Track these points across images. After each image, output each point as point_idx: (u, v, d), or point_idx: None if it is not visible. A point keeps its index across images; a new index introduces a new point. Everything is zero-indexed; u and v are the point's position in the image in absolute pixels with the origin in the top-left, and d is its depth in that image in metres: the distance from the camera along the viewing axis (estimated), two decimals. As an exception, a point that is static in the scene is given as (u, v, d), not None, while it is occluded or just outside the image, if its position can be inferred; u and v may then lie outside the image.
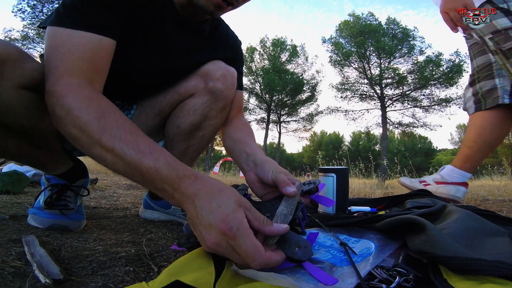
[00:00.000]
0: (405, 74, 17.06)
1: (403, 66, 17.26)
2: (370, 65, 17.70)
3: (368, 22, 17.35)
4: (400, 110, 18.09)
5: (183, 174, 0.48)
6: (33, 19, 12.47)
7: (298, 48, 20.72)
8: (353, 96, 18.41)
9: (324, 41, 18.33)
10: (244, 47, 20.06)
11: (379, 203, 1.05)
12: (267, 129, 20.89)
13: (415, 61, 16.98)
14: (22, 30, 13.41)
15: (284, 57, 20.63)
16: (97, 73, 0.61)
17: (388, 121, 17.83)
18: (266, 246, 0.45)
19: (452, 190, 1.45)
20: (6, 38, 13.46)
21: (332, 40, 18.14)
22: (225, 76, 0.86)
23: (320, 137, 36.64)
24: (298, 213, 0.54)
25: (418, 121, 17.89)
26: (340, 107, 19.19)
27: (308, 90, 20.48)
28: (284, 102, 20.45)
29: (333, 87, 18.78)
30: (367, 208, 0.92)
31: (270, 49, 20.71)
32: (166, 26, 0.75)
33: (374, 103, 18.07)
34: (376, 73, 17.55)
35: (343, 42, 17.86)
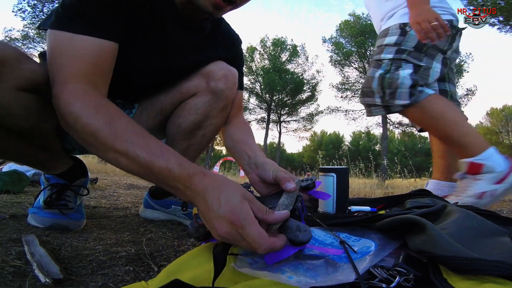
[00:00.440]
0: (406, 74, 17.02)
1: (403, 66, 17.22)
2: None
3: (369, 22, 17.31)
4: (400, 110, 18.05)
5: (193, 172, 0.51)
6: (34, 19, 12.48)
7: (298, 48, 20.72)
8: (354, 96, 18.40)
9: (324, 41, 18.34)
10: (244, 47, 20.04)
11: (379, 203, 1.05)
12: (267, 128, 20.90)
13: (416, 61, 16.94)
14: (22, 30, 13.42)
15: (284, 56, 20.64)
16: (101, 77, 0.62)
17: (388, 121, 17.82)
18: (270, 233, 0.49)
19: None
20: (7, 38, 13.47)
21: (332, 40, 18.14)
22: (226, 77, 0.87)
23: (320, 137, 36.64)
24: (298, 204, 0.58)
25: (419, 121, 17.86)
26: (340, 107, 19.22)
27: (309, 90, 20.48)
28: (284, 102, 20.45)
29: (333, 87, 18.78)
30: (367, 208, 0.92)
31: (270, 48, 20.70)
32: (166, 25, 0.75)
33: (374, 103, 18.03)
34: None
35: (343, 42, 17.87)
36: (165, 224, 1.02)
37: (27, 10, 12.26)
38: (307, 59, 20.71)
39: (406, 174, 4.93)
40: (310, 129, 22.34)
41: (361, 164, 5.38)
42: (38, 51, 13.66)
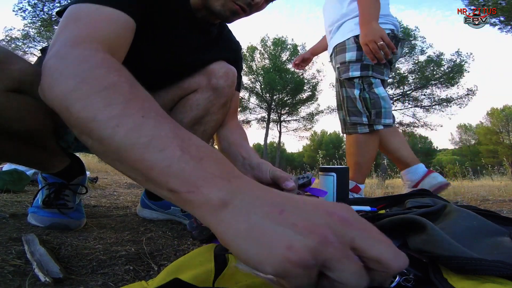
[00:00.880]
0: (406, 74, 17.06)
1: (404, 65, 17.25)
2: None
3: (369, 21, 17.30)
4: (400, 109, 18.08)
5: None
6: (34, 18, 12.48)
7: (299, 48, 20.70)
8: (354, 96, 18.37)
9: (324, 41, 18.29)
10: (245, 46, 20.03)
11: (379, 203, 1.05)
12: (267, 128, 20.89)
13: (416, 61, 16.97)
14: (22, 29, 13.43)
15: (284, 56, 20.62)
16: (121, 52, 0.56)
17: (389, 120, 17.79)
18: None
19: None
20: (7, 37, 13.47)
21: (332, 39, 18.10)
22: (227, 74, 0.90)
23: (321, 137, 36.61)
24: None
25: (419, 121, 17.90)
26: (340, 107, 19.19)
27: (309, 90, 20.48)
28: (285, 101, 20.44)
29: (333, 86, 18.76)
30: (367, 208, 0.92)
31: (270, 48, 20.69)
32: (178, 26, 0.78)
33: (375, 103, 18.03)
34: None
35: (343, 41, 17.82)
36: (165, 223, 1.02)
37: (27, 9, 12.27)
38: (307, 59, 20.69)
39: (406, 174, 4.93)
40: (310, 128, 22.34)
41: (361, 164, 5.37)
42: (38, 50, 13.67)
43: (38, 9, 12.26)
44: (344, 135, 1.70)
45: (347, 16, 1.52)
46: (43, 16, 12.32)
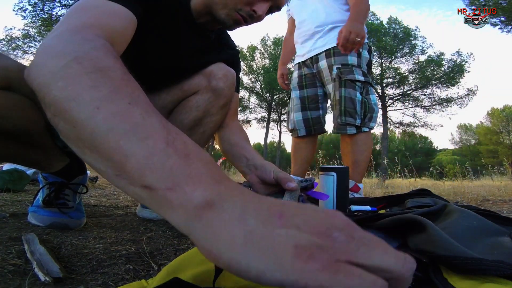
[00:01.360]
0: (406, 74, 17.06)
1: (404, 65, 17.26)
2: (371, 64, 17.71)
3: (370, 21, 17.31)
4: (401, 109, 18.08)
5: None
6: (34, 18, 12.48)
7: (298, 47, 20.67)
8: (354, 96, 18.36)
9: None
10: (245, 46, 20.02)
11: (379, 202, 1.05)
12: (267, 128, 20.90)
13: (416, 61, 16.97)
14: (23, 29, 13.43)
15: (285, 56, 20.57)
16: (121, 47, 0.55)
17: (389, 120, 17.82)
18: None
19: None
20: (7, 37, 13.47)
21: (333, 39, 18.08)
22: (226, 76, 0.92)
23: (321, 136, 36.53)
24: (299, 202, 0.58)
25: (419, 120, 17.90)
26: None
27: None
28: (285, 101, 20.43)
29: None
30: (367, 207, 0.92)
31: (271, 48, 20.68)
32: (179, 29, 0.79)
33: (375, 103, 18.03)
34: (377, 73, 17.53)
35: (344, 41, 17.81)
36: (165, 223, 1.02)
37: (28, 9, 12.27)
38: (307, 59, 20.70)
39: (406, 173, 4.92)
40: (310, 128, 22.30)
41: (361, 164, 5.37)
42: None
43: (38, 8, 12.26)
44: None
45: (338, 22, 1.63)
46: (43, 16, 12.32)
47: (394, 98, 17.65)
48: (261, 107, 21.12)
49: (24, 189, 1.53)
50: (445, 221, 0.62)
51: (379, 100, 17.59)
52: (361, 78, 1.59)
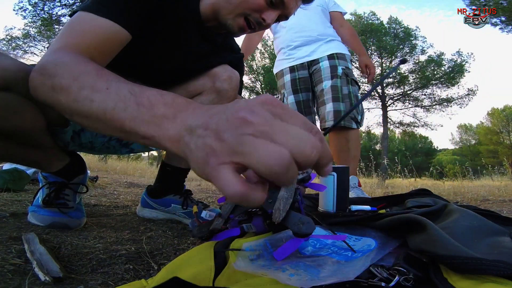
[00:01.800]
0: (407, 74, 17.04)
1: (404, 65, 17.21)
2: (371, 64, 17.70)
3: (370, 21, 17.30)
4: (401, 109, 18.07)
5: (189, 100, 0.40)
6: (34, 18, 12.48)
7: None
8: (354, 95, 18.37)
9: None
10: (245, 46, 19.94)
11: (379, 202, 1.05)
12: (267, 128, 20.84)
13: (417, 61, 16.95)
14: (23, 28, 13.43)
15: (285, 56, 20.58)
16: (104, 58, 0.62)
17: (389, 120, 17.82)
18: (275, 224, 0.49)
19: None
20: (7, 36, 13.47)
21: (333, 39, 18.08)
22: (231, 78, 0.93)
23: (321, 136, 36.44)
24: (297, 196, 0.60)
25: (419, 120, 17.89)
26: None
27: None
28: (285, 101, 20.43)
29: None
30: (367, 207, 0.92)
31: (271, 47, 20.67)
32: (187, 31, 0.80)
33: (375, 103, 18.04)
34: (378, 72, 17.51)
35: (344, 41, 17.82)
36: (165, 222, 1.02)
37: (28, 8, 12.26)
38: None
39: (406, 173, 4.92)
40: (310, 128, 22.29)
41: (361, 164, 5.36)
42: (39, 49, 13.68)
43: (39, 8, 12.25)
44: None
45: (335, 37, 1.85)
46: (44, 16, 12.32)
47: (394, 98, 17.64)
48: (261, 107, 21.10)
49: (24, 188, 1.53)
50: (445, 221, 0.62)
51: (380, 100, 17.60)
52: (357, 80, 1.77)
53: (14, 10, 12.27)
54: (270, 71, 19.25)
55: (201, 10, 0.80)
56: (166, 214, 1.07)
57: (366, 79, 1.91)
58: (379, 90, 17.44)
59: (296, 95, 1.83)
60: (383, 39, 16.70)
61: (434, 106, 17.17)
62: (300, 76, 1.83)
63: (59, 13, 12.13)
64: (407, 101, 17.69)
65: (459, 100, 16.51)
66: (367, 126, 19.20)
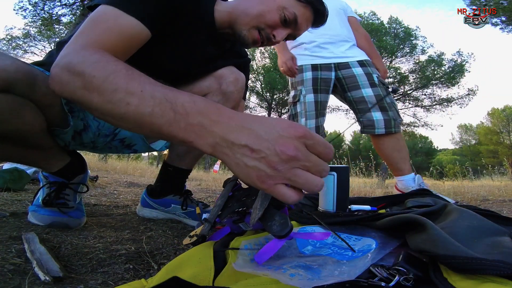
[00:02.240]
0: (407, 74, 17.02)
1: (404, 65, 17.21)
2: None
3: (370, 21, 17.29)
4: (401, 109, 18.04)
5: (217, 104, 0.45)
6: (35, 17, 12.47)
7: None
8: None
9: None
10: (245, 46, 19.94)
11: (379, 202, 1.05)
12: (267, 128, 20.82)
13: (417, 61, 16.94)
14: (23, 28, 13.43)
15: (285, 55, 20.55)
16: (123, 57, 0.62)
17: (389, 120, 17.76)
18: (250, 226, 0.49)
19: None
20: (8, 36, 13.47)
21: (333, 39, 18.07)
22: (237, 80, 0.95)
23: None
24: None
25: (419, 120, 17.87)
26: (341, 106, 19.16)
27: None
28: (285, 100, 20.43)
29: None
30: (367, 207, 0.92)
31: (271, 47, 20.66)
32: (199, 35, 0.82)
33: (375, 102, 18.00)
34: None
35: (344, 41, 17.80)
36: (165, 222, 1.02)
37: (28, 8, 12.24)
38: (308, 58, 20.68)
39: (406, 173, 4.92)
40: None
41: (361, 164, 5.37)
42: (39, 49, 13.68)
43: (39, 8, 12.24)
44: (362, 135, 1.81)
45: (354, 40, 1.89)
46: (44, 15, 12.30)
47: (395, 98, 17.58)
48: (261, 107, 21.11)
49: (24, 188, 1.53)
50: (445, 221, 0.62)
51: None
52: None
53: (14, 9, 12.26)
54: (270, 71, 19.26)
55: (216, 16, 0.81)
56: (165, 214, 1.07)
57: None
58: (379, 90, 17.40)
59: (316, 94, 1.77)
60: (384, 39, 16.68)
61: (434, 106, 17.15)
62: (322, 76, 1.78)
63: (59, 12, 12.11)
64: (407, 101, 17.68)
65: (459, 100, 16.49)
66: (367, 126, 19.15)
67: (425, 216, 0.55)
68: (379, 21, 17.51)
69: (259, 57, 20.83)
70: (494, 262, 0.37)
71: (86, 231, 0.82)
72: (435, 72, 16.45)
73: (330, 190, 0.86)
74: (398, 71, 17.00)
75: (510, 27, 10.38)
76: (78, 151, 0.98)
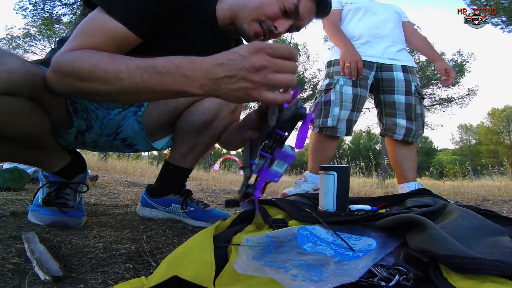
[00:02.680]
0: (407, 74, 17.02)
1: (404, 65, 17.21)
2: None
3: (370, 21, 17.27)
4: (401, 109, 18.04)
5: (188, 57, 0.55)
6: (35, 17, 12.45)
7: (299, 47, 20.66)
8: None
9: (326, 40, 18.28)
10: (245, 46, 19.95)
11: (379, 202, 1.04)
12: (268, 127, 20.83)
13: (417, 61, 16.93)
14: (23, 28, 13.42)
15: (285, 55, 20.52)
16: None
17: (389, 120, 17.77)
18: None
19: None
20: (8, 36, 13.47)
21: (333, 38, 18.07)
22: None
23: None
24: (299, 104, 0.53)
25: (419, 120, 17.86)
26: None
27: (309, 89, 20.44)
28: (285, 100, 20.39)
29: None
30: (367, 207, 0.92)
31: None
32: (203, 36, 0.83)
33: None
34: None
35: (344, 41, 17.80)
36: (165, 221, 1.02)
37: (28, 8, 12.23)
38: (308, 58, 20.60)
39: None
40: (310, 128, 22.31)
41: (361, 163, 5.37)
42: (39, 49, 13.67)
43: (39, 7, 12.22)
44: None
45: (406, 46, 1.89)
46: (44, 15, 12.29)
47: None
48: (262, 107, 21.11)
49: (24, 187, 1.53)
50: (445, 221, 0.62)
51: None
52: None
53: (14, 9, 12.24)
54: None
55: (218, 15, 0.81)
56: (165, 213, 1.07)
57: (442, 83, 1.98)
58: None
59: (355, 88, 1.73)
60: (384, 38, 16.67)
61: (434, 106, 17.16)
62: (363, 73, 1.74)
63: (60, 12, 12.09)
64: (407, 101, 17.68)
65: (459, 100, 16.50)
66: (367, 126, 19.16)
67: (425, 216, 0.55)
68: (379, 21, 17.46)
69: (259, 57, 20.77)
70: (494, 262, 0.37)
71: (86, 230, 0.82)
72: (435, 72, 16.44)
73: (330, 190, 0.86)
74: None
75: (511, 27, 10.37)
76: (77, 150, 0.98)
